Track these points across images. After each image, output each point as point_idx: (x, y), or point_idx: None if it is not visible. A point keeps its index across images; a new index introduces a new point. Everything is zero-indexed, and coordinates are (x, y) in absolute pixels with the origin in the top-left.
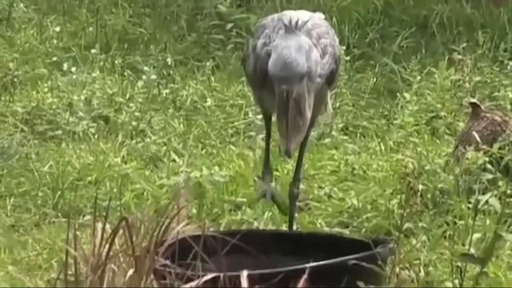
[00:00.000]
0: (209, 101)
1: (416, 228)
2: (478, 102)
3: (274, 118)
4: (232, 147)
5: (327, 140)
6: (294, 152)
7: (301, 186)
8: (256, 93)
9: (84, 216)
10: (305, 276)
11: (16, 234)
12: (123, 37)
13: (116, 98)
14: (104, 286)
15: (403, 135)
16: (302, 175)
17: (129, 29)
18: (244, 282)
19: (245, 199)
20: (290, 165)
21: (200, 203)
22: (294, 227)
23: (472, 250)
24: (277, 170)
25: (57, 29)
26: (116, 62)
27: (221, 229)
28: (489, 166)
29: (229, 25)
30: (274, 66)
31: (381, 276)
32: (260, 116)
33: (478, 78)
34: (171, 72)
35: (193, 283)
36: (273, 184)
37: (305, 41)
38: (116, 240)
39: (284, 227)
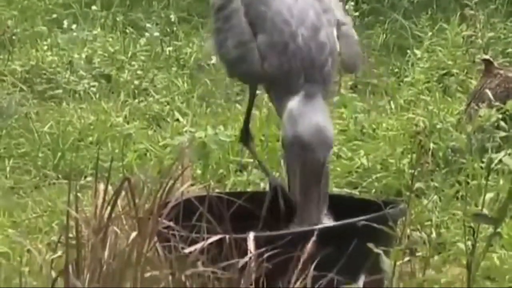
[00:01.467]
0: (214, 59)
1: (428, 188)
2: (491, 59)
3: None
4: (237, 105)
5: (335, 99)
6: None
7: None
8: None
9: (85, 177)
10: (313, 238)
11: (16, 196)
12: None
13: (118, 56)
14: (106, 249)
15: (413, 93)
16: None
17: None
18: (251, 244)
19: (251, 160)
20: None
21: (204, 164)
22: None
23: (485, 210)
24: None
25: None
26: (117, 19)
27: (227, 190)
28: (502, 123)
29: None
30: (307, 131)
31: (392, 237)
32: None
33: (491, 34)
34: (175, 29)
35: (198, 245)
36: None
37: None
38: (118, 202)
39: None
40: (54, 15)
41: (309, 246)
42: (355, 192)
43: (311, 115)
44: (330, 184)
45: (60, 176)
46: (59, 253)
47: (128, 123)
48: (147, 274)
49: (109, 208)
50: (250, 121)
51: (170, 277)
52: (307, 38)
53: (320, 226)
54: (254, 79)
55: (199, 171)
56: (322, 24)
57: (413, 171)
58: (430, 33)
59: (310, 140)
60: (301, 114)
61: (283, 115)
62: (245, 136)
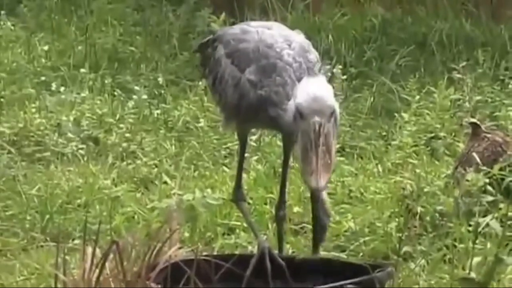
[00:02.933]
0: (202, 122)
1: (415, 251)
2: (478, 122)
3: (252, 142)
4: (225, 168)
5: None
6: (323, 190)
7: (297, 208)
8: (233, 120)
9: (73, 240)
10: None
11: (4, 259)
12: (113, 56)
13: (106, 118)
14: None
15: (401, 156)
16: (287, 196)
17: (119, 47)
18: None
19: (239, 223)
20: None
21: (192, 227)
22: (290, 251)
23: (473, 274)
24: (272, 192)
25: (45, 47)
26: (106, 81)
27: (215, 253)
28: (489, 188)
29: None
30: (304, 100)
31: None
32: (254, 137)
33: (478, 98)
34: (163, 92)
35: None
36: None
37: (329, 85)
38: (106, 264)
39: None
40: (43, 78)
41: None
42: (343, 256)
43: (310, 86)
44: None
45: (48, 238)
46: None
47: (116, 185)
48: None
49: (97, 271)
50: (242, 180)
51: None
52: (296, 54)
53: None
54: (254, 110)
55: (187, 234)
56: (310, 50)
57: (400, 234)
58: (417, 97)
59: (307, 107)
60: (302, 87)
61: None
62: (237, 195)
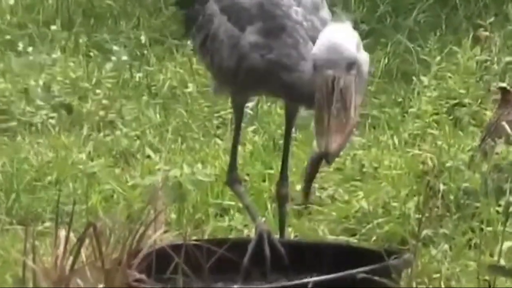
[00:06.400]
0: (191, 87)
1: (436, 235)
2: (508, 87)
3: (249, 109)
4: (217, 140)
5: None
6: (335, 156)
7: (299, 186)
8: (228, 87)
9: (43, 222)
10: None
11: None
12: (88, 11)
13: (81, 83)
14: None
15: (420, 126)
16: (289, 172)
17: (95, 1)
18: None
19: (233, 202)
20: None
21: (180, 207)
22: (292, 236)
23: (502, 261)
24: (271, 167)
25: (11, 2)
26: (80, 40)
27: (206, 237)
28: None
29: None
30: (319, 49)
31: None
32: (250, 104)
33: (508, 59)
34: (145, 52)
35: None
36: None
37: (355, 34)
38: (82, 250)
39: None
40: (8, 37)
41: None
42: (353, 240)
43: (328, 34)
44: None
45: (14, 221)
46: None
47: (92, 160)
48: None
49: (71, 258)
50: (237, 159)
51: None
52: (306, 12)
53: (313, 279)
54: (259, 76)
55: (174, 216)
56: (323, 6)
57: (419, 216)
58: (438, 58)
59: (320, 58)
60: (321, 35)
61: None
62: (231, 176)
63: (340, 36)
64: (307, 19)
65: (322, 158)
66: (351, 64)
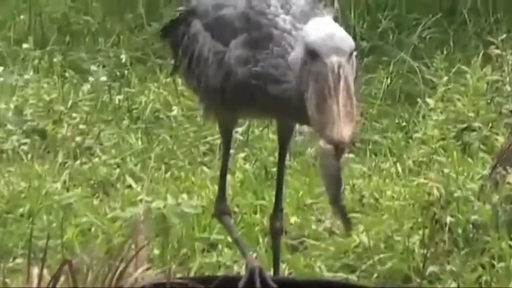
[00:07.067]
0: (175, 110)
1: (443, 272)
2: None
3: (238, 135)
4: (204, 168)
5: None
6: (350, 144)
7: (295, 219)
8: (216, 108)
9: (15, 258)
10: None
11: None
12: (63, 28)
13: (55, 106)
14: None
15: (425, 152)
16: (284, 204)
17: (72, 17)
18: None
19: (221, 236)
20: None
21: (164, 242)
22: (286, 272)
23: None
24: (263, 198)
25: None
26: (55, 60)
27: (192, 274)
28: None
29: None
30: (319, 37)
31: None
32: (240, 129)
33: None
34: (126, 72)
35: None
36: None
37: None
38: None
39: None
40: None
41: None
42: (353, 278)
43: (322, 25)
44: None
45: None
46: None
47: (67, 190)
48: None
49: None
50: (226, 188)
51: None
52: (296, 20)
53: None
54: (246, 91)
55: (157, 251)
56: (315, 13)
57: (425, 251)
58: (445, 78)
59: (323, 44)
60: (310, 27)
61: None
62: (220, 207)
63: (334, 26)
64: (296, 28)
65: (337, 151)
66: (351, 52)
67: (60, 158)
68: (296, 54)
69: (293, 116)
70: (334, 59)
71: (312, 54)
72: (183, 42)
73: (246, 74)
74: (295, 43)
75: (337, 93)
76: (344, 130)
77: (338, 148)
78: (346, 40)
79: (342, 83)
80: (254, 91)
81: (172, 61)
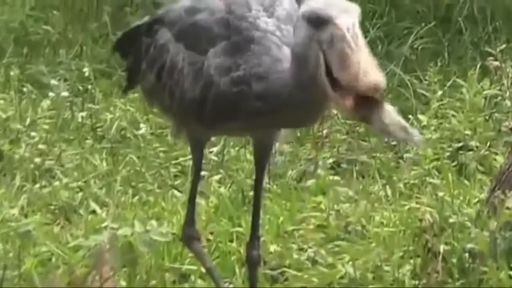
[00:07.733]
0: (143, 128)
1: None
2: None
3: (213, 155)
4: (175, 192)
5: (310, 182)
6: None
7: (275, 247)
8: (191, 124)
9: None
10: None
11: None
12: (21, 39)
13: (12, 124)
14: None
15: (418, 174)
16: (262, 230)
17: (30, 26)
18: None
19: (194, 267)
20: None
21: (131, 273)
22: None
23: None
24: (240, 225)
25: None
26: (11, 73)
27: None
28: None
29: None
30: (322, 4)
31: None
32: (215, 149)
33: None
34: (89, 87)
35: None
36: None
37: None
38: None
39: None
40: None
41: None
42: None
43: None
44: None
45: None
46: None
47: (26, 216)
48: None
49: None
50: (195, 212)
51: None
52: (280, 22)
53: None
54: (229, 100)
55: (123, 283)
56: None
57: (417, 282)
58: (440, 92)
59: (326, 10)
60: (307, 4)
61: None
62: (188, 232)
63: None
64: (280, 29)
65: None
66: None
67: (17, 181)
68: (297, 37)
69: (282, 116)
70: (344, 18)
71: (318, 23)
72: (148, 54)
73: (228, 83)
74: (279, 41)
75: (359, 46)
76: (378, 76)
77: (378, 93)
78: (354, 5)
79: (360, 37)
80: (237, 101)
81: (126, 78)
